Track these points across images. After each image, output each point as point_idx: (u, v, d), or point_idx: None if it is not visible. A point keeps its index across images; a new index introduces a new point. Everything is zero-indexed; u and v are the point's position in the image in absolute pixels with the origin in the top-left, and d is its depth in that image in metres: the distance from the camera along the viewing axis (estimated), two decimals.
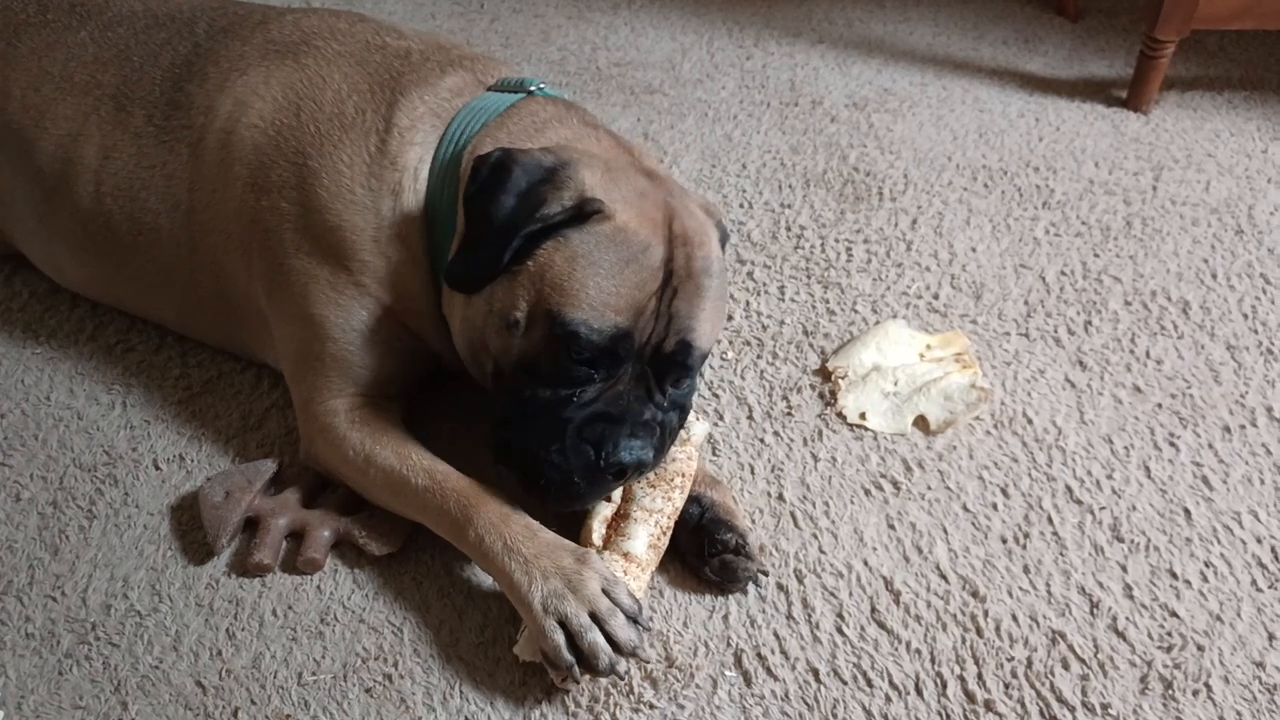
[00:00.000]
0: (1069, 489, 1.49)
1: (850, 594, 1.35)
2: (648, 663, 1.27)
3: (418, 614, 1.34)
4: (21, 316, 1.81)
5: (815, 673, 1.27)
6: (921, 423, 1.60)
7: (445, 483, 1.33)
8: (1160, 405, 1.63)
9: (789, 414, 1.62)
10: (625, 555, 1.30)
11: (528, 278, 1.27)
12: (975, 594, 1.35)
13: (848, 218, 2.07)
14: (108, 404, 1.64)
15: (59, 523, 1.46)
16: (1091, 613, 1.33)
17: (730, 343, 1.76)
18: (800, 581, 1.37)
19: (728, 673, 1.27)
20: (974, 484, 1.50)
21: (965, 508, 1.47)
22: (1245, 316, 1.81)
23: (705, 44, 2.76)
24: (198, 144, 1.52)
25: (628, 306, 1.26)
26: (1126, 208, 2.09)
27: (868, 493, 1.49)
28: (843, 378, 1.66)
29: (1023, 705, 1.23)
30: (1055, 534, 1.43)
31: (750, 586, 1.36)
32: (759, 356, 1.73)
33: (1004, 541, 1.42)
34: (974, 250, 1.98)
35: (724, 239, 1.43)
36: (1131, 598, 1.34)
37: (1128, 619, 1.32)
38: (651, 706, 1.23)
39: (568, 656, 1.19)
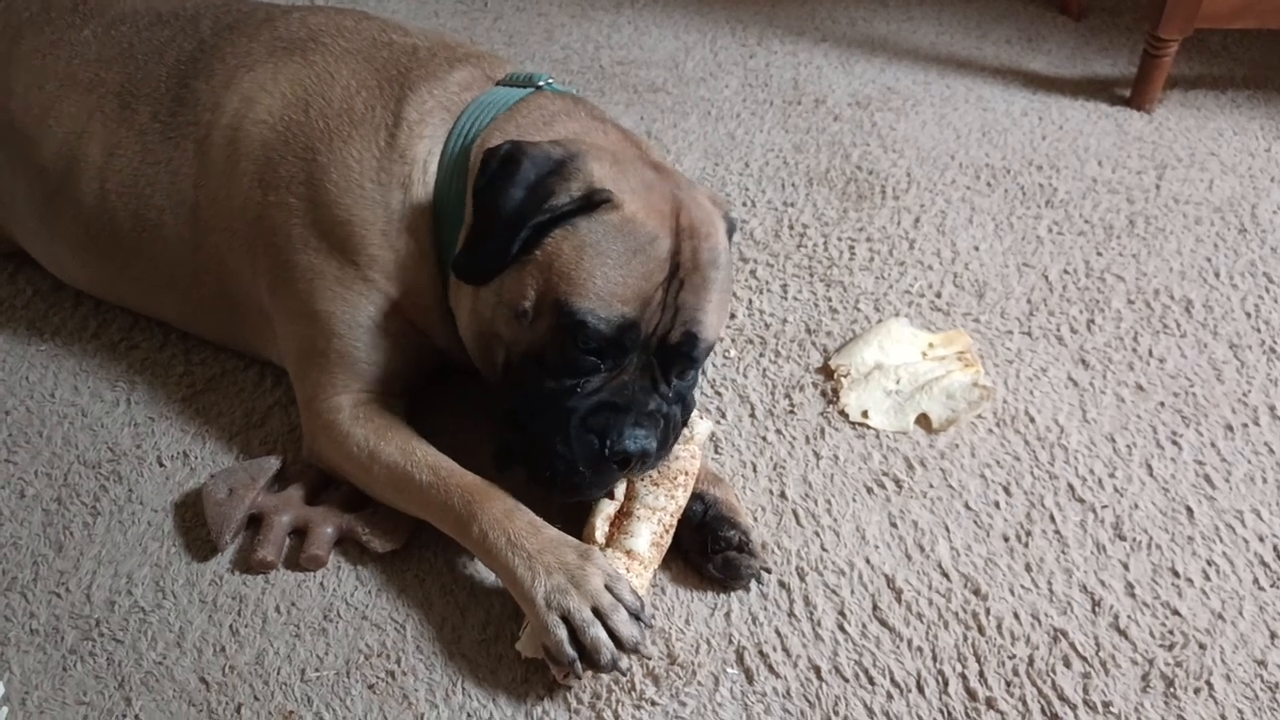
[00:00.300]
0: (1071, 487, 1.49)
1: (852, 592, 1.36)
2: (649, 659, 1.27)
3: (420, 611, 1.34)
4: (25, 314, 1.81)
5: (817, 670, 1.27)
6: (924, 421, 1.60)
7: (449, 479, 1.34)
8: (1163, 404, 1.63)
9: (791, 412, 1.62)
10: (628, 553, 1.30)
11: (536, 267, 1.28)
12: (977, 592, 1.35)
13: (850, 216, 2.07)
14: (112, 401, 1.64)
15: (63, 519, 1.46)
16: (1093, 611, 1.33)
17: (733, 341, 1.76)
18: (802, 579, 1.37)
19: (730, 670, 1.27)
20: (976, 482, 1.50)
21: (967, 506, 1.47)
22: (1248, 315, 1.81)
23: (708, 42, 2.77)
24: (204, 140, 1.52)
25: (634, 297, 1.26)
26: (1129, 206, 2.09)
27: (870, 491, 1.49)
28: (845, 376, 1.66)
29: (1024, 703, 1.23)
30: (1057, 532, 1.43)
31: (752, 584, 1.36)
32: (761, 354, 1.74)
33: (1006, 540, 1.42)
34: (977, 249, 1.98)
35: (731, 231, 1.43)
36: (1133, 596, 1.35)
37: (1129, 617, 1.32)
38: (653, 703, 1.23)
39: (570, 651, 1.19)
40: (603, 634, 1.19)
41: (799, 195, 2.13)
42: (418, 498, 1.37)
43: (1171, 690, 1.24)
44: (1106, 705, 1.22)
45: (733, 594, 1.35)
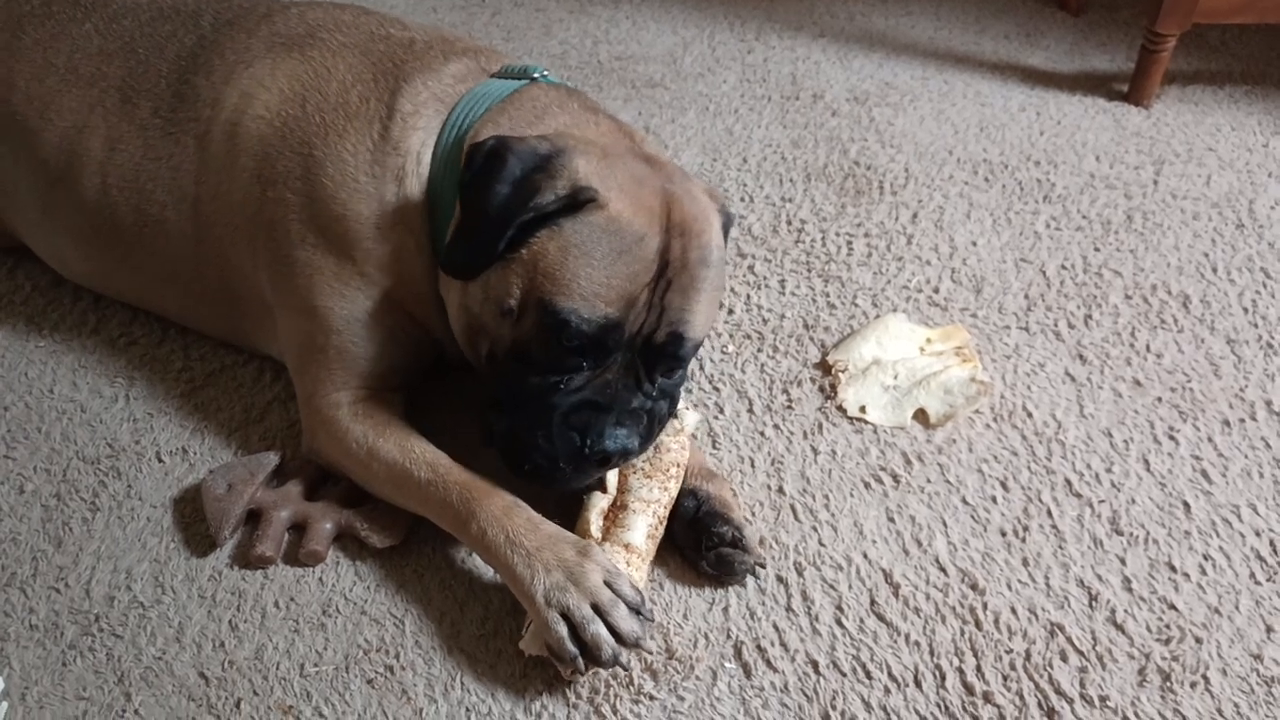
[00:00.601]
0: (1068, 482, 1.50)
1: (850, 586, 1.36)
2: (650, 653, 1.28)
3: (419, 606, 1.34)
4: (24, 310, 1.81)
5: (815, 665, 1.27)
6: (921, 416, 1.60)
7: (448, 476, 1.34)
8: (1160, 399, 1.63)
9: (789, 407, 1.63)
10: (626, 546, 1.30)
11: (521, 266, 1.27)
12: (974, 586, 1.36)
13: (848, 211, 2.07)
14: (111, 397, 1.64)
15: (62, 515, 1.46)
16: (1090, 605, 1.33)
17: (731, 336, 1.77)
18: (800, 574, 1.37)
19: (727, 665, 1.27)
20: (973, 477, 1.51)
21: (965, 501, 1.47)
22: (1245, 310, 1.81)
23: (706, 38, 2.76)
24: (204, 136, 1.52)
25: (618, 297, 1.26)
26: (1127, 202, 2.09)
27: (867, 486, 1.50)
28: (843, 371, 1.66)
29: (1021, 697, 1.23)
30: (1054, 527, 1.43)
31: (750, 579, 1.36)
32: (759, 350, 1.74)
33: (1003, 534, 1.42)
34: (974, 244, 1.98)
35: (727, 225, 1.42)
36: (1130, 590, 1.35)
37: (1126, 611, 1.32)
38: (652, 698, 1.24)
39: (571, 648, 1.20)
40: (603, 630, 1.20)
41: (797, 191, 2.13)
42: (416, 494, 1.37)
43: (1168, 684, 1.24)
44: (1103, 699, 1.23)
45: (730, 589, 1.35)
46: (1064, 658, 1.27)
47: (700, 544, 1.35)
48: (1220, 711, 1.21)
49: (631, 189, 1.29)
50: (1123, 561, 1.39)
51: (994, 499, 1.47)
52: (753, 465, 1.53)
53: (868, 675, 1.26)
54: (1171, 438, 1.57)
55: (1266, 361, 1.70)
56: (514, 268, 1.28)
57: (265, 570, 1.38)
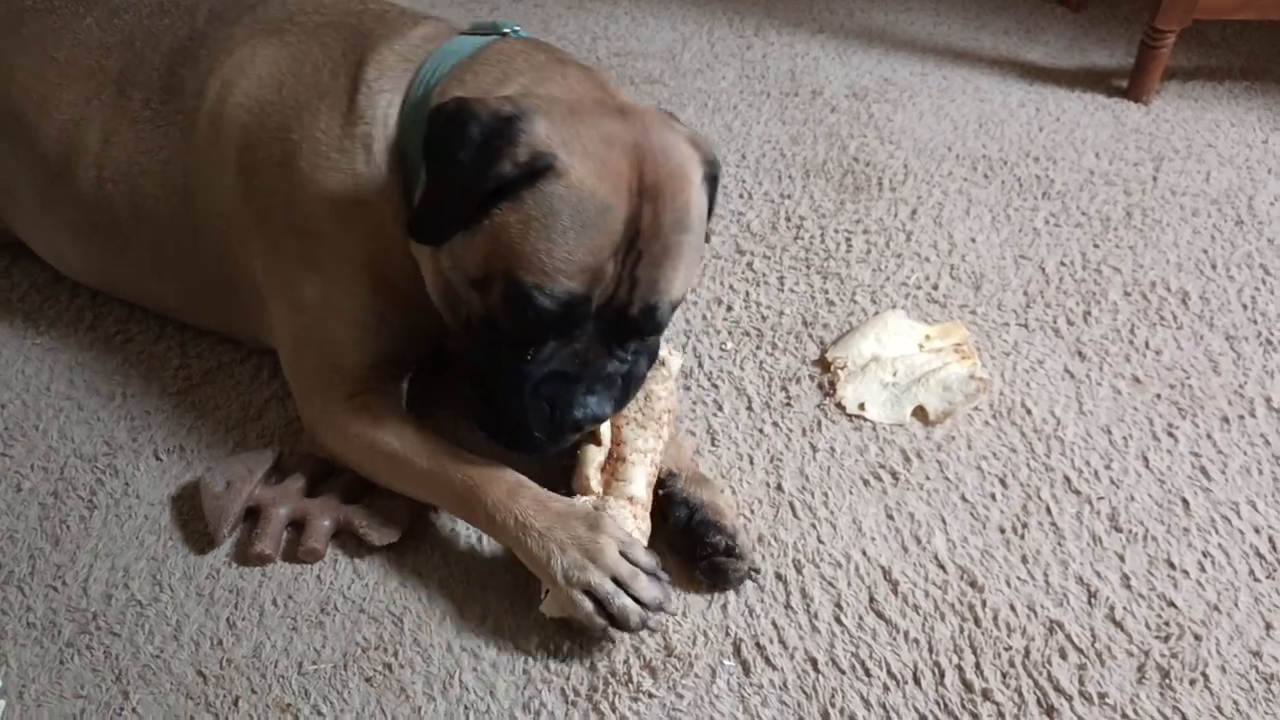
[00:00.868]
0: (1067, 479, 1.49)
1: (848, 584, 1.36)
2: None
3: (418, 604, 1.34)
4: (21, 307, 1.81)
5: (813, 662, 1.27)
6: (920, 413, 1.60)
7: (450, 464, 1.34)
8: (1159, 396, 1.63)
9: (788, 404, 1.62)
10: (629, 500, 1.32)
11: (485, 238, 1.23)
12: (973, 584, 1.35)
13: (847, 208, 2.07)
14: (108, 394, 1.64)
15: (60, 513, 1.46)
16: (1089, 602, 1.33)
17: (729, 333, 1.76)
18: (799, 571, 1.37)
19: (726, 662, 1.27)
20: (972, 474, 1.51)
21: (964, 498, 1.47)
22: (1245, 307, 1.81)
23: (705, 34, 2.76)
24: (190, 128, 1.51)
25: (581, 271, 1.21)
26: (1126, 198, 2.09)
27: (866, 483, 1.49)
28: (842, 368, 1.66)
29: (1020, 694, 1.23)
30: (1053, 524, 1.43)
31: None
32: (758, 347, 1.74)
33: (1002, 531, 1.42)
34: (973, 241, 1.97)
35: (712, 175, 1.33)
36: (1129, 587, 1.35)
37: (1125, 609, 1.32)
38: (651, 696, 1.23)
39: (600, 622, 1.23)
40: (628, 601, 1.22)
41: (796, 187, 2.13)
42: (421, 484, 1.38)
43: (1167, 681, 1.24)
44: (1102, 697, 1.23)
45: None
46: (1063, 655, 1.27)
47: (694, 553, 1.34)
48: (1219, 708, 1.21)
49: (598, 152, 1.21)
50: (1122, 558, 1.38)
51: (993, 496, 1.47)
52: (751, 462, 1.53)
53: (867, 672, 1.26)
54: (1171, 434, 1.57)
55: (1266, 358, 1.70)
56: (478, 239, 1.23)
57: (263, 568, 1.38)
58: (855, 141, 2.28)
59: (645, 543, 1.33)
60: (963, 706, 1.22)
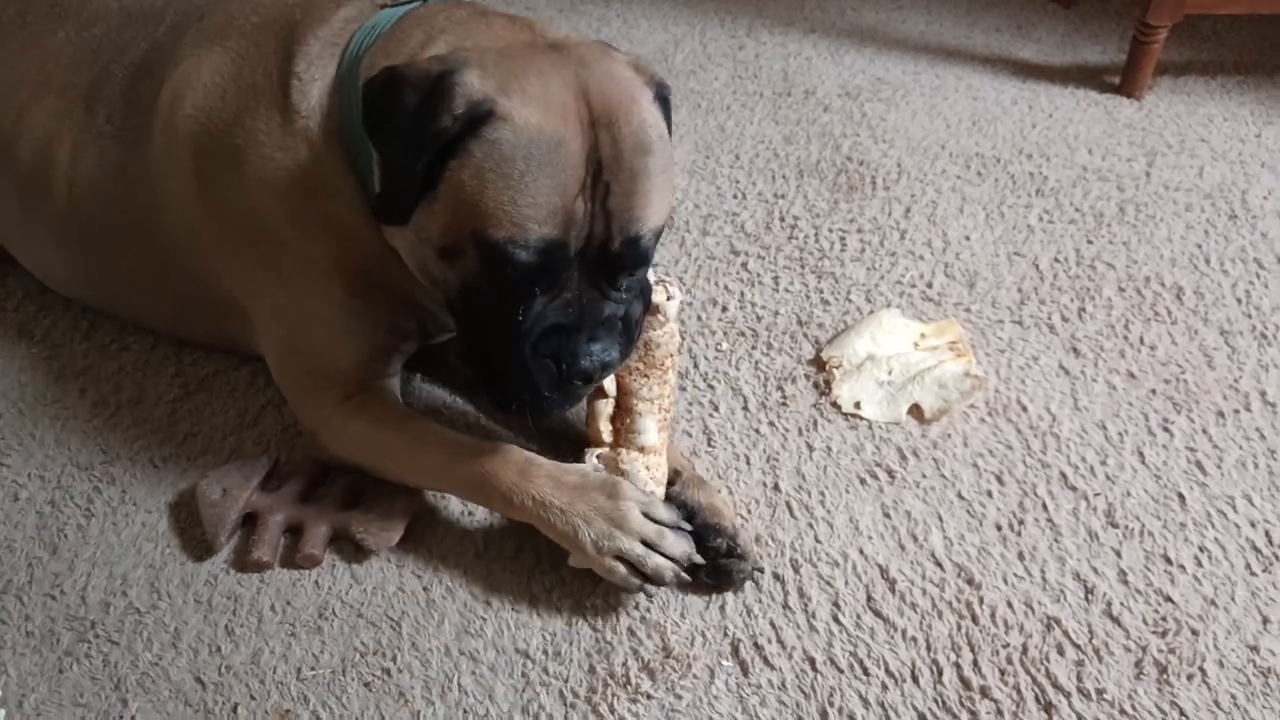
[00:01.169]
0: (1063, 475, 1.50)
1: (846, 583, 1.36)
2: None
3: (416, 608, 1.34)
4: (16, 316, 1.81)
5: (812, 662, 1.27)
6: (916, 411, 1.60)
7: (458, 452, 1.35)
8: (1154, 391, 1.63)
9: (784, 404, 1.63)
10: (642, 449, 1.34)
11: (443, 203, 1.19)
12: (970, 581, 1.36)
13: (841, 207, 2.07)
14: (104, 402, 1.64)
15: (57, 522, 1.46)
16: (1086, 598, 1.33)
17: (725, 334, 1.77)
18: (796, 571, 1.37)
19: (725, 662, 1.27)
20: (969, 472, 1.51)
21: (960, 495, 1.47)
22: (1239, 301, 1.81)
23: (698, 34, 2.76)
24: (149, 143, 1.49)
25: (550, 214, 1.16)
26: (1120, 194, 2.10)
27: (863, 482, 1.50)
28: (837, 367, 1.66)
29: (1018, 691, 1.23)
30: (1050, 520, 1.43)
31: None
32: (754, 347, 1.74)
33: (999, 528, 1.43)
34: (967, 238, 1.98)
35: (662, 96, 1.29)
36: (1126, 583, 1.35)
37: (1122, 604, 1.32)
38: (649, 697, 1.24)
39: (636, 582, 1.27)
40: (660, 560, 1.26)
41: (790, 187, 2.13)
42: (430, 477, 1.39)
43: (1164, 677, 1.24)
44: (1100, 693, 1.23)
45: None
46: (1060, 651, 1.27)
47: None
48: (1217, 703, 1.22)
49: (537, 89, 1.17)
50: (1118, 554, 1.39)
51: (989, 493, 1.48)
52: (748, 462, 1.53)
53: (865, 671, 1.26)
54: (1166, 430, 1.57)
55: (1260, 352, 1.70)
56: (438, 206, 1.20)
57: (261, 574, 1.38)
58: (848, 141, 2.28)
59: (662, 490, 1.36)
60: (961, 704, 1.22)
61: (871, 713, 1.22)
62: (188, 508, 1.47)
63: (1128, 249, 1.94)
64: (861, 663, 1.27)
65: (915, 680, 1.25)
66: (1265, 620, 1.30)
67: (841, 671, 1.26)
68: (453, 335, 1.52)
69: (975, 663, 1.26)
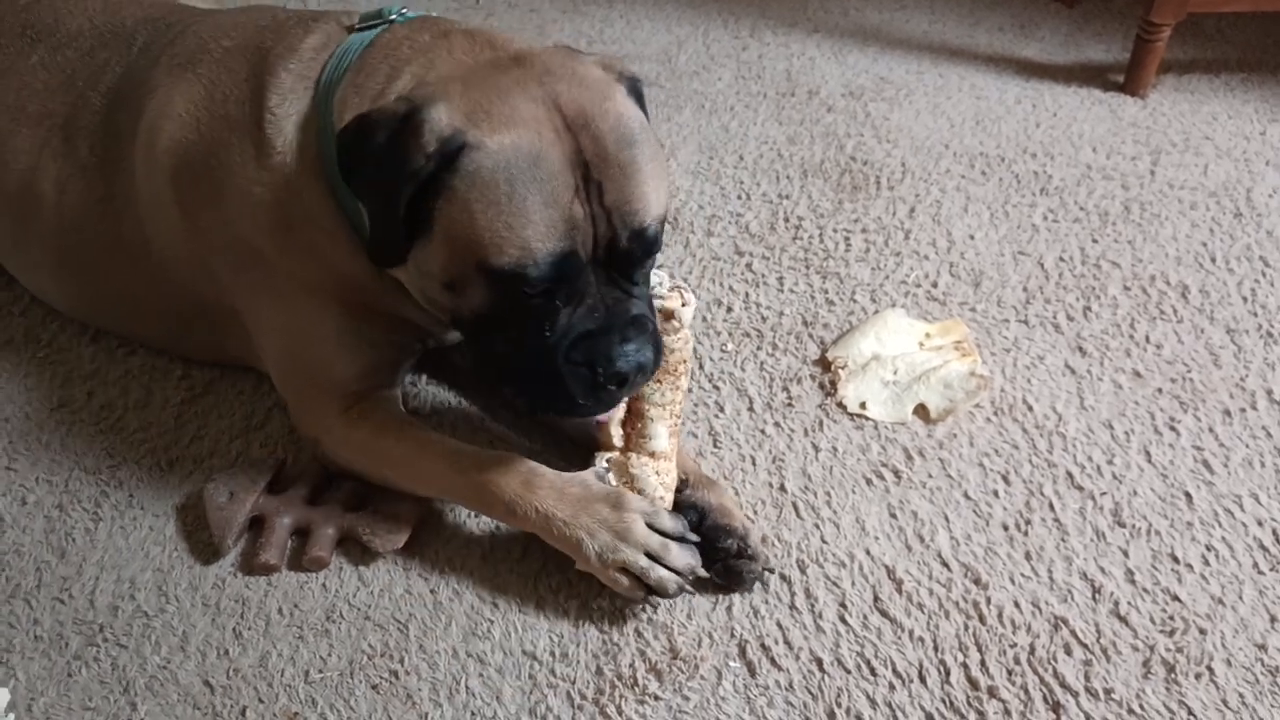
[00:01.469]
0: (1070, 475, 1.50)
1: (853, 583, 1.36)
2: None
3: (423, 610, 1.34)
4: (23, 321, 1.81)
5: (819, 662, 1.27)
6: (922, 411, 1.60)
7: (460, 463, 1.35)
8: (1160, 390, 1.63)
9: (789, 405, 1.63)
10: (652, 455, 1.35)
11: (439, 242, 1.20)
12: (977, 581, 1.36)
13: (845, 207, 2.07)
14: (111, 406, 1.64)
15: (65, 526, 1.46)
16: (1093, 598, 1.33)
17: (730, 334, 1.77)
18: (803, 572, 1.37)
19: (732, 664, 1.27)
20: (975, 471, 1.51)
21: (966, 495, 1.47)
22: (1245, 300, 1.81)
23: (701, 35, 2.76)
24: (131, 174, 1.48)
25: (550, 228, 1.16)
26: (1124, 192, 2.09)
27: (869, 482, 1.50)
28: (843, 368, 1.66)
29: (1026, 691, 1.23)
30: (1056, 520, 1.43)
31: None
32: (759, 348, 1.74)
33: (1005, 528, 1.42)
34: (972, 238, 1.98)
35: (635, 88, 1.28)
36: (1133, 582, 1.35)
37: (1130, 604, 1.32)
38: (657, 698, 1.24)
39: (640, 594, 1.28)
40: (664, 572, 1.26)
41: (794, 187, 2.13)
42: (434, 487, 1.39)
43: (1172, 676, 1.24)
44: (1108, 692, 1.23)
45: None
46: (1068, 651, 1.27)
47: (706, 556, 1.33)
48: (1225, 702, 1.21)
49: (504, 110, 1.17)
50: (1125, 553, 1.39)
51: (995, 493, 1.47)
52: (754, 463, 1.53)
53: (872, 672, 1.26)
54: (1172, 428, 1.57)
55: (1266, 350, 1.70)
56: (434, 244, 1.20)
57: (269, 577, 1.38)
58: (852, 141, 2.28)
59: (671, 495, 1.36)
60: (969, 704, 1.22)
61: (879, 713, 1.22)
62: (195, 511, 1.47)
63: (1133, 248, 1.94)
64: (869, 663, 1.27)
65: (923, 680, 1.25)
66: (1273, 619, 1.30)
67: (849, 672, 1.26)
68: (456, 339, 1.53)
69: (983, 663, 1.26)
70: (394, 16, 1.38)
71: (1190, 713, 1.21)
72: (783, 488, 1.49)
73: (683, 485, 1.39)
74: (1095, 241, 1.96)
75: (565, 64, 1.23)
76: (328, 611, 1.34)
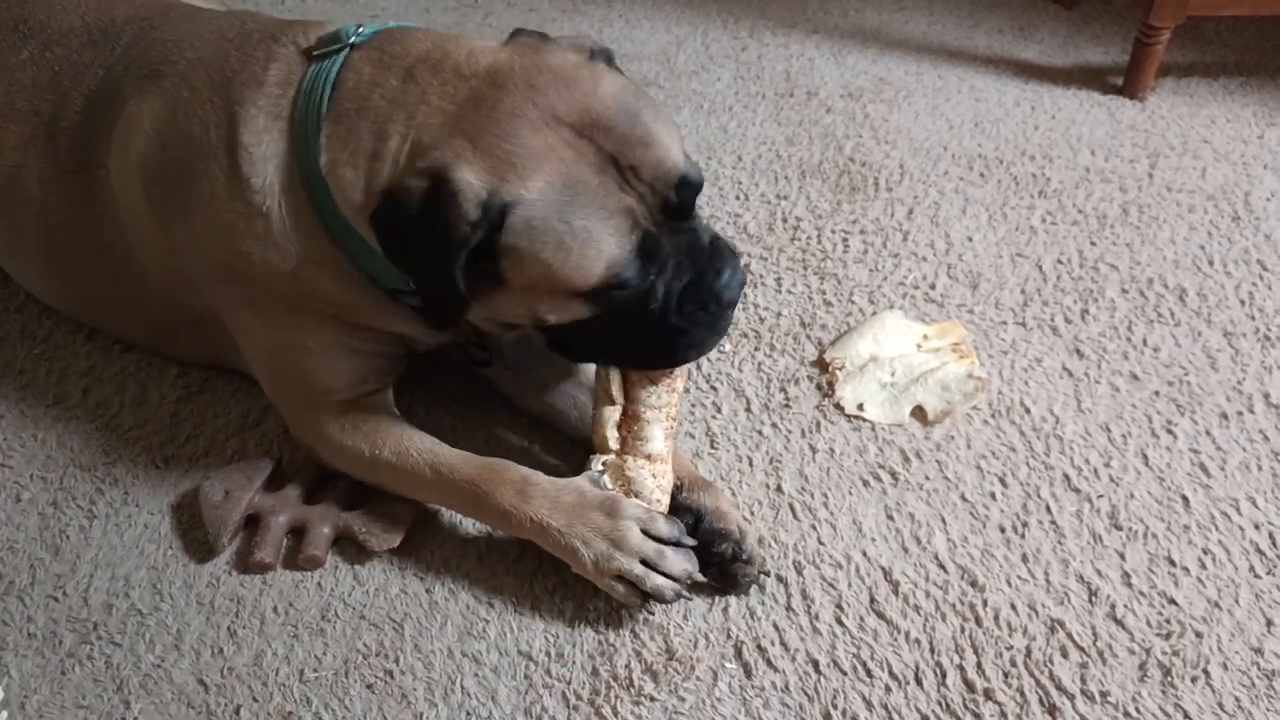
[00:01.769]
0: (1067, 477, 1.49)
1: (849, 585, 1.36)
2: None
3: (419, 610, 1.34)
4: (19, 318, 1.81)
5: (815, 664, 1.27)
6: (919, 413, 1.60)
7: (452, 473, 1.35)
8: (1157, 393, 1.63)
9: (787, 406, 1.62)
10: (648, 457, 1.34)
11: (519, 293, 1.24)
12: (974, 583, 1.35)
13: (844, 208, 2.07)
14: (106, 403, 1.64)
15: (59, 523, 1.46)
16: (1090, 601, 1.33)
17: (728, 335, 1.76)
18: (799, 573, 1.37)
19: (728, 665, 1.27)
20: (972, 473, 1.50)
21: (963, 497, 1.47)
22: (1242, 303, 1.81)
23: (700, 35, 2.76)
24: (108, 184, 1.47)
25: (619, 232, 1.20)
26: (1123, 195, 2.09)
27: (866, 483, 1.49)
28: (840, 369, 1.66)
29: (1022, 694, 1.23)
30: (1053, 522, 1.43)
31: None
32: (756, 349, 1.74)
33: (1002, 531, 1.42)
34: (970, 240, 1.98)
35: (609, 60, 1.30)
36: (1130, 585, 1.35)
37: (1126, 607, 1.32)
38: (652, 699, 1.23)
39: (637, 601, 1.28)
40: (660, 580, 1.26)
41: (792, 188, 2.13)
42: (428, 492, 1.39)
43: (1169, 679, 1.24)
44: (1104, 695, 1.23)
45: None
46: (1064, 654, 1.27)
47: (702, 559, 1.32)
48: (1221, 705, 1.21)
49: (519, 152, 1.17)
50: (1122, 556, 1.38)
51: (992, 495, 1.47)
52: (751, 464, 1.53)
53: (868, 674, 1.26)
54: (1169, 431, 1.57)
55: (1264, 354, 1.70)
56: (512, 297, 1.24)
57: (264, 576, 1.38)
58: (851, 142, 2.28)
59: (667, 498, 1.35)
60: (965, 706, 1.22)
61: (875, 715, 1.22)
62: (190, 509, 1.47)
63: (1131, 250, 1.94)
64: (865, 665, 1.27)
65: (919, 683, 1.25)
66: (1269, 623, 1.30)
67: (845, 674, 1.26)
68: (453, 341, 1.53)
69: (979, 665, 1.26)
70: (352, 39, 1.32)
71: (1186, 716, 1.20)
72: (780, 489, 1.49)
73: (679, 488, 1.38)
74: (1093, 244, 1.96)
75: (541, 66, 1.23)
76: (323, 610, 1.34)
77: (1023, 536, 1.41)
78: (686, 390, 1.64)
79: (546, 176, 1.17)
